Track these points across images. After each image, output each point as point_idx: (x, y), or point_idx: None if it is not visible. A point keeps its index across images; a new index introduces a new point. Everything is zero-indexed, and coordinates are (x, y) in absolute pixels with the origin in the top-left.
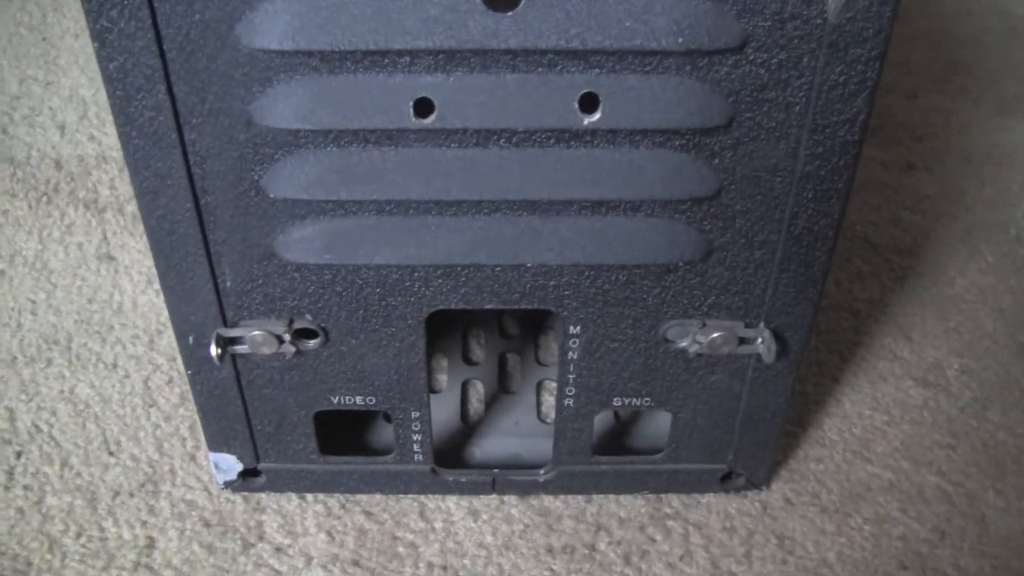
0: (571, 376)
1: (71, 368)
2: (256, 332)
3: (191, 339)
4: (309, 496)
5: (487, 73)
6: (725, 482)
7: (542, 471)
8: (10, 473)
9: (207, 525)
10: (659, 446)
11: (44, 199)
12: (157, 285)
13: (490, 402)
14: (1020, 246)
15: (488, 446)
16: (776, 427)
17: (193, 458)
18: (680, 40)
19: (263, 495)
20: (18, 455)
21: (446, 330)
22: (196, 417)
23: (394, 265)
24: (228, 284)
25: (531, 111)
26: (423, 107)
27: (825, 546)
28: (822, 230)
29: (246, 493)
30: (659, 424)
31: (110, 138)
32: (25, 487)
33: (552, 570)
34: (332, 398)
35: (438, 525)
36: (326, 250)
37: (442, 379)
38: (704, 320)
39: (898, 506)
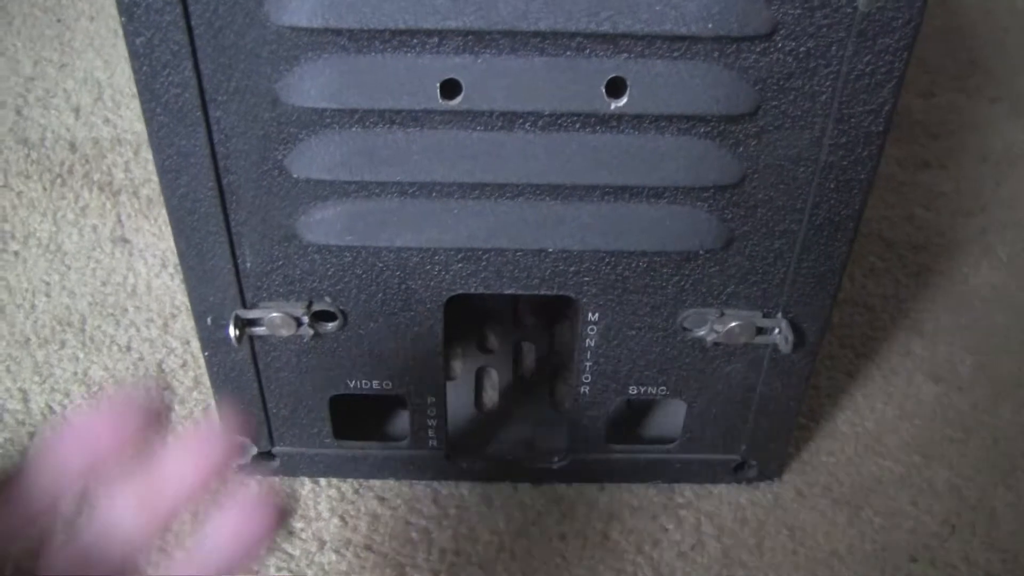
0: (587, 363)
1: (85, 350)
2: (275, 314)
3: (209, 320)
4: (323, 481)
5: (515, 55)
6: (738, 473)
7: (556, 459)
8: (23, 454)
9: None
10: (672, 435)
11: (59, 181)
12: (171, 268)
13: (504, 390)
14: None
15: (502, 433)
16: (790, 418)
17: None
18: (710, 26)
19: (277, 479)
20: (31, 436)
21: (462, 318)
22: (210, 400)
23: (415, 248)
24: (248, 265)
25: (558, 94)
26: (450, 88)
27: (836, 538)
28: (843, 221)
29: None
30: (672, 413)
31: (125, 121)
32: None
33: (564, 557)
34: (348, 382)
35: (451, 511)
36: (348, 232)
37: (456, 366)
38: (722, 309)
39: (909, 499)
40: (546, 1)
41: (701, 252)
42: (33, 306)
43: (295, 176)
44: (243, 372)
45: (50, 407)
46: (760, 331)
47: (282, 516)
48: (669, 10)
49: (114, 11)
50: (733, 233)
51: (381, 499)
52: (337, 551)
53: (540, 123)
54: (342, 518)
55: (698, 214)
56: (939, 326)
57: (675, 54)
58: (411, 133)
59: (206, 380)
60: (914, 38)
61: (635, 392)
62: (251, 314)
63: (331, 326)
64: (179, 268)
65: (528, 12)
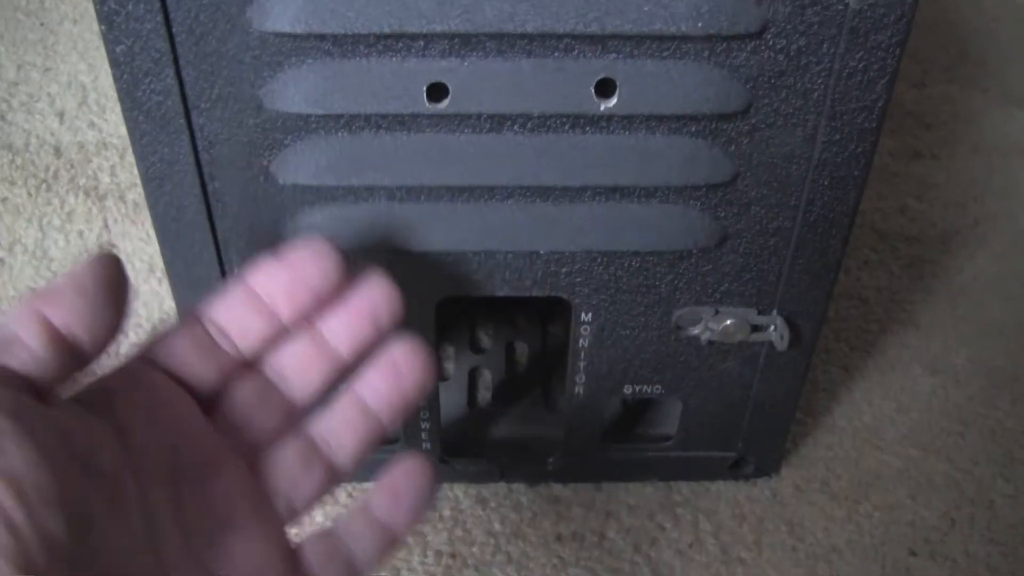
0: (581, 364)
1: None
2: None
3: None
4: None
5: (503, 58)
6: (735, 469)
7: (551, 459)
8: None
9: None
10: (668, 433)
11: (44, 186)
12: (159, 274)
13: (498, 390)
14: None
15: (496, 434)
16: (787, 415)
17: None
18: (700, 25)
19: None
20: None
21: (453, 318)
22: None
23: (404, 252)
24: (236, 271)
25: (547, 96)
26: (437, 92)
27: (835, 533)
28: (837, 218)
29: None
30: (668, 412)
31: (110, 125)
32: None
33: (561, 558)
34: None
35: (446, 513)
36: (336, 237)
37: (449, 367)
38: (717, 307)
39: (907, 493)
40: (533, 3)
41: (694, 251)
42: None
43: (281, 182)
44: None
45: None
46: (755, 329)
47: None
48: (658, 9)
49: None
50: (726, 231)
51: None
52: None
53: (529, 125)
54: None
55: (691, 213)
56: (934, 318)
57: (665, 53)
58: (398, 137)
59: None
60: (907, 34)
61: (630, 391)
62: None
63: None
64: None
65: (515, 14)
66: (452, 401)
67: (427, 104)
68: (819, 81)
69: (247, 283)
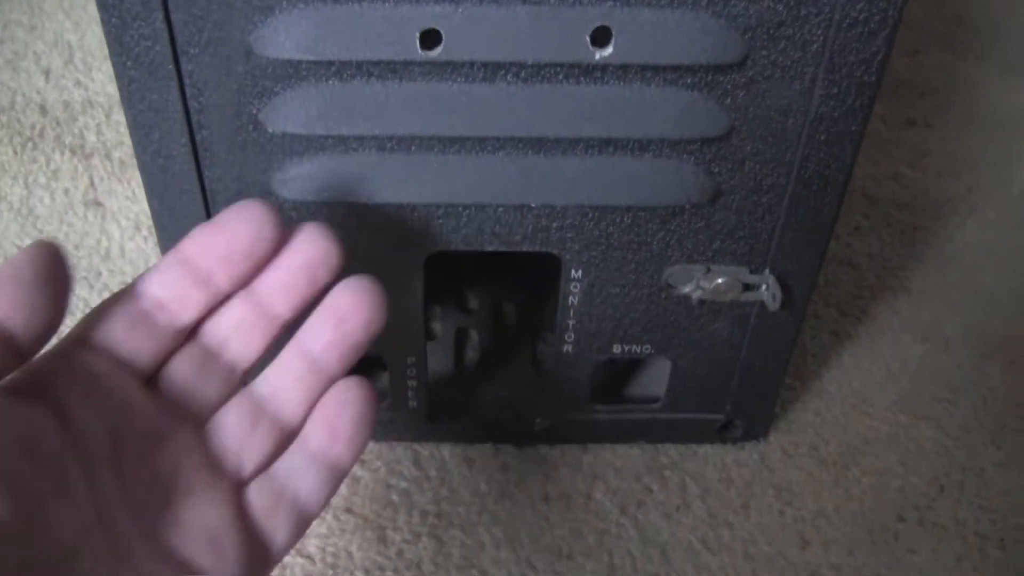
0: (571, 322)
1: None
2: None
3: None
4: None
5: (497, 4)
6: (723, 432)
7: (538, 419)
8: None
9: None
10: (657, 395)
11: (29, 144)
12: (145, 231)
13: (485, 351)
14: (1022, 204)
15: (484, 394)
16: (776, 377)
17: None
18: None
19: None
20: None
21: (441, 278)
22: None
23: (394, 204)
24: None
25: (541, 44)
26: (430, 38)
27: (823, 498)
28: (832, 175)
29: None
30: (656, 373)
31: (96, 83)
32: None
33: (548, 519)
34: None
35: (432, 473)
36: (324, 188)
37: (436, 328)
38: (708, 265)
39: (897, 459)
40: None
41: (687, 207)
42: None
43: (270, 131)
44: None
45: None
46: (747, 288)
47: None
48: None
49: None
50: (720, 187)
51: (361, 461)
52: None
53: (523, 74)
54: None
55: (684, 167)
56: (925, 285)
57: (662, 2)
58: (390, 85)
59: None
60: None
61: (619, 351)
62: None
63: None
64: (152, 231)
65: None
66: (440, 361)
67: (420, 51)
68: (818, 32)
69: (182, 252)
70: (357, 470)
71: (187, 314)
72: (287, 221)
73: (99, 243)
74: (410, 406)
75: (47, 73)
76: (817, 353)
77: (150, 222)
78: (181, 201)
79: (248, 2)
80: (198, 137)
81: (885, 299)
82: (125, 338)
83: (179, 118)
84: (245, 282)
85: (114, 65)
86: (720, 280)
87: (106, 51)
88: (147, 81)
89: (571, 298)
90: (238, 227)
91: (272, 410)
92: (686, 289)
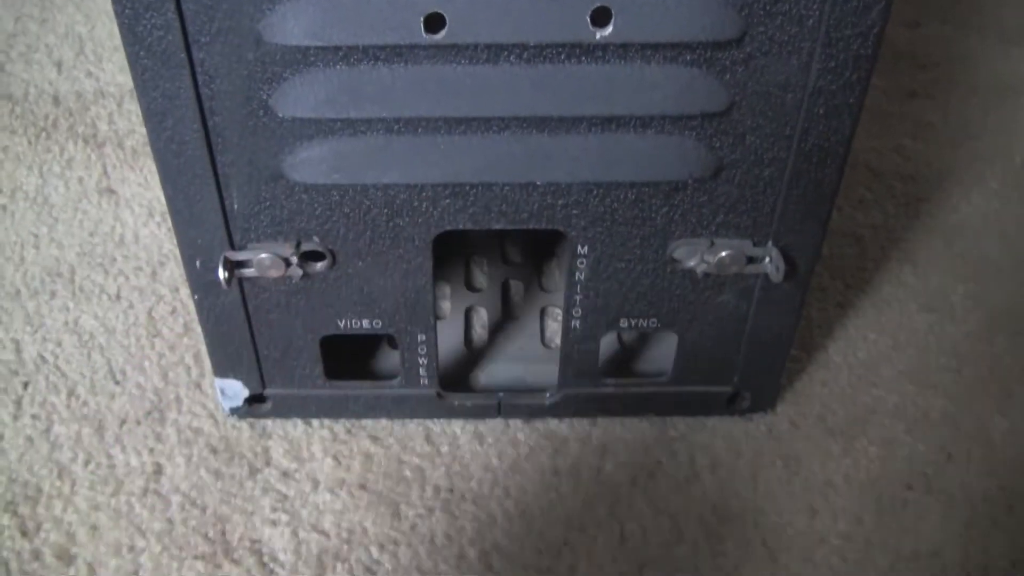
0: (578, 297)
1: (75, 300)
2: (263, 255)
3: (198, 263)
4: (315, 422)
5: None
6: (731, 404)
7: (548, 394)
8: (18, 403)
9: (214, 451)
10: (664, 369)
11: (43, 134)
12: (158, 218)
13: (494, 328)
14: None
15: (493, 371)
16: (782, 349)
17: (198, 386)
18: None
19: (269, 422)
20: (25, 385)
21: (449, 257)
22: (200, 346)
23: (402, 185)
24: (236, 206)
25: (543, 25)
26: (434, 22)
27: (831, 467)
28: (832, 147)
29: (252, 420)
30: (665, 348)
31: (107, 74)
32: (33, 416)
33: (559, 492)
34: (339, 322)
35: (444, 449)
36: (334, 170)
37: (445, 306)
38: (712, 239)
39: (904, 428)
40: None
41: (690, 182)
42: (22, 258)
43: (280, 115)
44: (233, 314)
45: (42, 356)
46: (751, 260)
47: None
48: None
49: None
50: (722, 162)
51: (374, 438)
52: (331, 490)
53: (525, 55)
54: (335, 458)
55: (686, 143)
56: (931, 256)
57: None
58: (396, 69)
59: (195, 327)
60: None
61: (626, 325)
62: (240, 255)
63: (320, 266)
64: (166, 217)
65: None
66: (449, 339)
67: (424, 35)
68: (814, 7)
69: None
70: (370, 447)
71: None
72: (298, 203)
73: (113, 230)
74: (421, 383)
75: (59, 65)
76: (823, 325)
77: (163, 208)
78: (194, 186)
79: None
80: (210, 123)
81: (890, 270)
82: None
83: (191, 105)
84: None
85: (127, 55)
86: (724, 253)
87: (116, 42)
88: (160, 70)
89: (578, 274)
90: None
91: None
92: (691, 263)
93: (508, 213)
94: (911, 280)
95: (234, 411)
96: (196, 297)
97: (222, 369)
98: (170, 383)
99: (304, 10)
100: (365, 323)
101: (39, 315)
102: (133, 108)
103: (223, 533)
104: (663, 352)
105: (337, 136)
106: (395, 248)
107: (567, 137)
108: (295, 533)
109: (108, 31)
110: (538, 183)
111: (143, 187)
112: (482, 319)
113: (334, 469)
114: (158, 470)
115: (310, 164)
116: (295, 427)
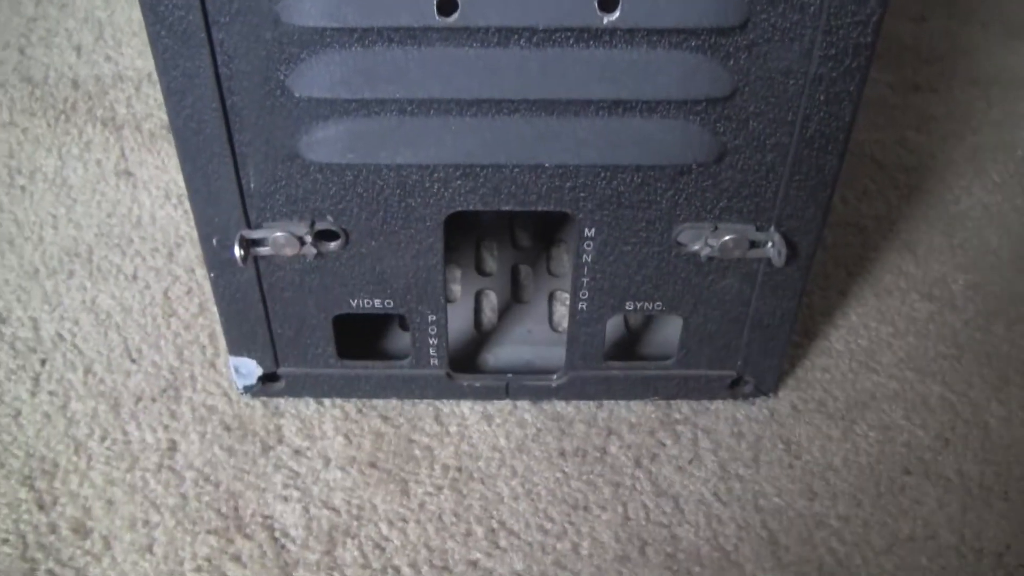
0: (585, 279)
1: (92, 279)
2: (278, 233)
3: (215, 241)
4: (327, 401)
5: None
6: (734, 388)
7: (555, 376)
8: (36, 380)
9: (227, 429)
10: (669, 353)
11: (62, 117)
12: (175, 200)
13: (503, 312)
14: None
15: (502, 353)
16: (785, 333)
17: (213, 365)
18: None
19: (281, 400)
20: (43, 362)
21: (459, 241)
22: (215, 326)
23: (415, 165)
24: (252, 185)
25: (552, 9)
26: (447, 5)
27: (831, 451)
28: (833, 133)
29: (265, 398)
30: (669, 333)
31: (126, 58)
32: (50, 393)
33: (564, 472)
34: (351, 301)
35: (453, 429)
36: (349, 150)
37: (456, 289)
38: (716, 223)
39: (903, 414)
40: None
41: (694, 166)
42: (41, 238)
43: (297, 95)
44: (248, 293)
45: (60, 335)
46: (753, 245)
47: None
48: None
49: None
50: (725, 147)
51: (384, 418)
52: (342, 468)
53: (535, 39)
54: (346, 437)
55: (690, 127)
56: (932, 246)
57: None
58: (409, 51)
59: (211, 307)
60: None
61: (632, 307)
62: (255, 234)
63: (333, 245)
64: (182, 199)
65: None
66: (459, 322)
67: (437, 17)
68: None
69: None
70: (381, 426)
71: None
72: (313, 183)
73: (131, 211)
74: (432, 364)
75: (78, 49)
76: (825, 312)
77: (179, 191)
78: (212, 164)
79: None
80: (228, 102)
81: (892, 260)
82: None
83: (210, 84)
84: None
85: (149, 35)
86: (727, 237)
87: (135, 27)
88: (180, 49)
89: (585, 256)
90: None
91: None
92: (695, 247)
93: (517, 195)
94: (912, 269)
95: (248, 389)
96: (212, 275)
97: (236, 347)
98: (185, 361)
99: None
100: (377, 303)
101: (57, 294)
102: (151, 92)
103: (236, 509)
104: (668, 337)
105: (352, 116)
106: (407, 228)
107: (575, 120)
108: (306, 509)
109: (127, 16)
110: (546, 165)
111: (160, 170)
112: (492, 302)
113: (345, 447)
114: (173, 446)
115: (325, 144)
116: (307, 406)
